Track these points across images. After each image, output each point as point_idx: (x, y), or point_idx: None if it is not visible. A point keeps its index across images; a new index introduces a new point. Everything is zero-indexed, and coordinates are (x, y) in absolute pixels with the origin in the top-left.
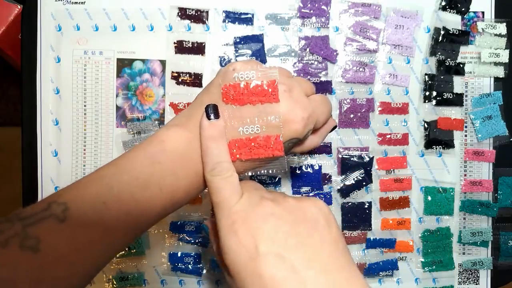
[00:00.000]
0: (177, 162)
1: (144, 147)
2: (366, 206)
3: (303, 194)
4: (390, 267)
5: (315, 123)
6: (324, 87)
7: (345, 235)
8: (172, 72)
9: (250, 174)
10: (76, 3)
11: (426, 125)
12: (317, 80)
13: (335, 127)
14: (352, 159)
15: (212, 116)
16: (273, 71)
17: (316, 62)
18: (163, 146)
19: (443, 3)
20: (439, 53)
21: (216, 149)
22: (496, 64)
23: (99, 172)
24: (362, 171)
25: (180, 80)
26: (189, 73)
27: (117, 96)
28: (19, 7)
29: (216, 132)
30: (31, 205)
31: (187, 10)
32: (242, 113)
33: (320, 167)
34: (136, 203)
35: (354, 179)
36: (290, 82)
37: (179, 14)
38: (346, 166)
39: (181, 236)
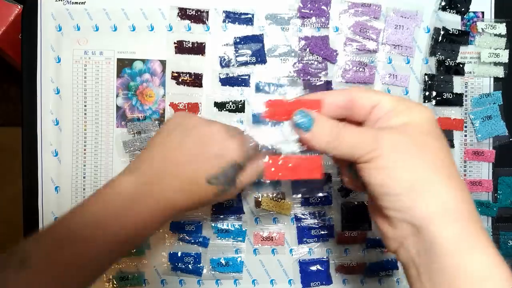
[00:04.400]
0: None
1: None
2: (366, 206)
3: (303, 194)
4: (390, 267)
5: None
6: (324, 87)
7: (345, 235)
8: (172, 72)
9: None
10: (76, 3)
11: None
12: (317, 80)
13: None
14: None
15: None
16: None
17: (316, 62)
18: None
19: (443, 3)
20: (439, 53)
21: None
22: (496, 64)
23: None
24: None
25: (180, 80)
26: (189, 73)
27: (117, 96)
28: (19, 7)
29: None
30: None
31: (187, 10)
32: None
33: None
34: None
35: None
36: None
37: (179, 14)
38: None
39: (181, 236)
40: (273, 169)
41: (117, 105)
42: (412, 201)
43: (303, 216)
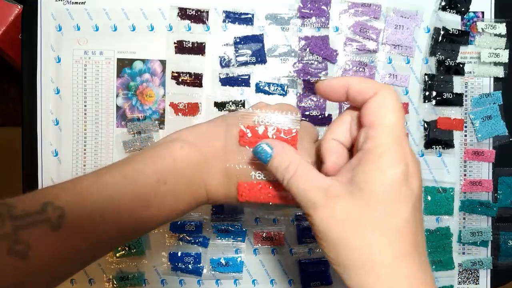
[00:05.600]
0: (181, 185)
1: (154, 160)
2: None
3: None
4: None
5: None
6: None
7: None
8: (172, 72)
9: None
10: (76, 3)
11: (426, 125)
12: (317, 80)
13: None
14: None
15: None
16: (295, 119)
17: (316, 62)
18: (173, 166)
19: (443, 3)
20: (439, 53)
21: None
22: (496, 64)
23: (101, 177)
24: None
25: (180, 80)
26: (189, 73)
27: (117, 96)
28: (19, 7)
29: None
30: (23, 199)
31: (187, 10)
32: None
33: None
34: (132, 220)
35: None
36: (301, 128)
37: (179, 14)
38: None
39: (181, 236)
40: (243, 193)
41: (117, 105)
42: (358, 279)
43: (303, 216)
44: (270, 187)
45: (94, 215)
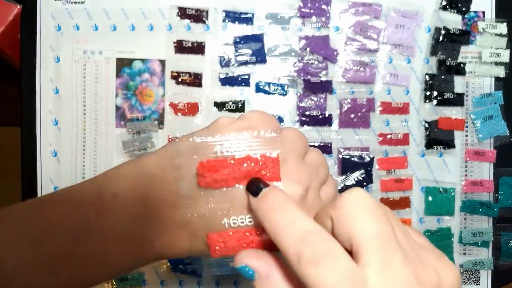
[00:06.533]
0: (109, 246)
1: (71, 213)
2: None
3: None
4: None
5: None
6: (324, 87)
7: None
8: (172, 72)
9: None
10: (75, 3)
11: (426, 125)
12: (318, 80)
13: None
14: (352, 159)
15: (261, 188)
16: (272, 138)
17: (316, 62)
18: (98, 222)
19: (444, 3)
20: (439, 53)
21: (285, 220)
22: (497, 64)
23: None
24: (362, 171)
25: (179, 80)
26: (189, 73)
27: (116, 96)
28: (18, 7)
29: (273, 200)
30: None
31: (187, 9)
32: (227, 197)
33: None
34: None
35: (354, 179)
36: (282, 146)
37: (179, 13)
38: (346, 166)
39: None
40: (217, 247)
41: (116, 105)
42: None
43: None
44: (253, 234)
45: None
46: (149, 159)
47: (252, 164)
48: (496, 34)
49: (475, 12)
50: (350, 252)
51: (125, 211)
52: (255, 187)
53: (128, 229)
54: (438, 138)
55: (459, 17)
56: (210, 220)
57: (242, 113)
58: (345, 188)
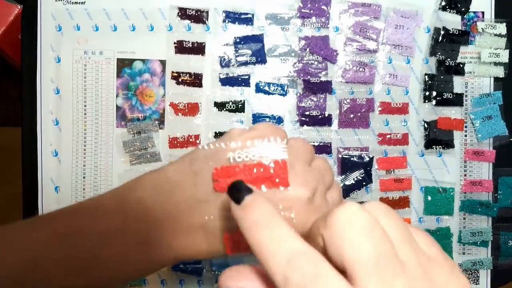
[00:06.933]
0: (132, 248)
1: (98, 216)
2: None
3: None
4: None
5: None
6: (324, 87)
7: None
8: (172, 72)
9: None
10: (76, 3)
11: (426, 125)
12: (317, 80)
13: None
14: (352, 159)
15: (243, 195)
16: (280, 146)
17: (316, 62)
18: (123, 225)
19: (443, 3)
20: (439, 53)
21: (271, 239)
22: (496, 64)
23: (32, 232)
24: (362, 171)
25: (180, 80)
26: (189, 73)
27: (117, 96)
28: (19, 7)
29: (258, 214)
30: None
31: (187, 10)
32: None
33: None
34: None
35: (354, 179)
36: (290, 153)
37: (179, 14)
38: (346, 166)
39: None
40: (235, 245)
41: (117, 105)
42: None
43: None
44: None
45: (9, 282)
46: (170, 167)
47: (262, 170)
48: (495, 35)
49: (474, 12)
50: (345, 272)
51: (147, 216)
52: (237, 193)
53: (149, 232)
54: (438, 138)
55: (458, 18)
56: (224, 222)
57: (243, 112)
58: (344, 188)
